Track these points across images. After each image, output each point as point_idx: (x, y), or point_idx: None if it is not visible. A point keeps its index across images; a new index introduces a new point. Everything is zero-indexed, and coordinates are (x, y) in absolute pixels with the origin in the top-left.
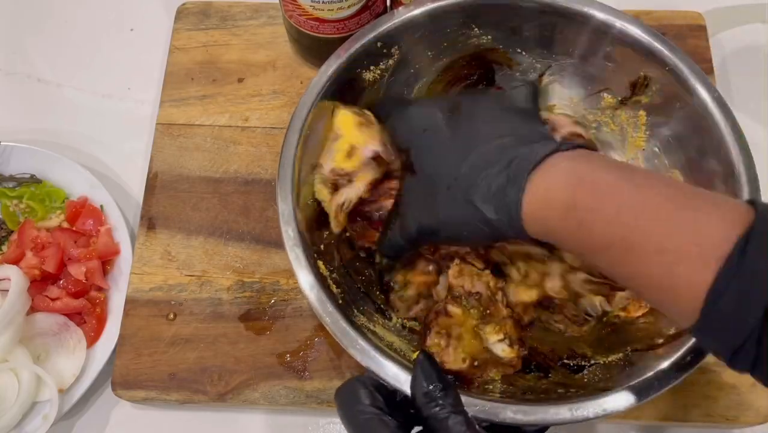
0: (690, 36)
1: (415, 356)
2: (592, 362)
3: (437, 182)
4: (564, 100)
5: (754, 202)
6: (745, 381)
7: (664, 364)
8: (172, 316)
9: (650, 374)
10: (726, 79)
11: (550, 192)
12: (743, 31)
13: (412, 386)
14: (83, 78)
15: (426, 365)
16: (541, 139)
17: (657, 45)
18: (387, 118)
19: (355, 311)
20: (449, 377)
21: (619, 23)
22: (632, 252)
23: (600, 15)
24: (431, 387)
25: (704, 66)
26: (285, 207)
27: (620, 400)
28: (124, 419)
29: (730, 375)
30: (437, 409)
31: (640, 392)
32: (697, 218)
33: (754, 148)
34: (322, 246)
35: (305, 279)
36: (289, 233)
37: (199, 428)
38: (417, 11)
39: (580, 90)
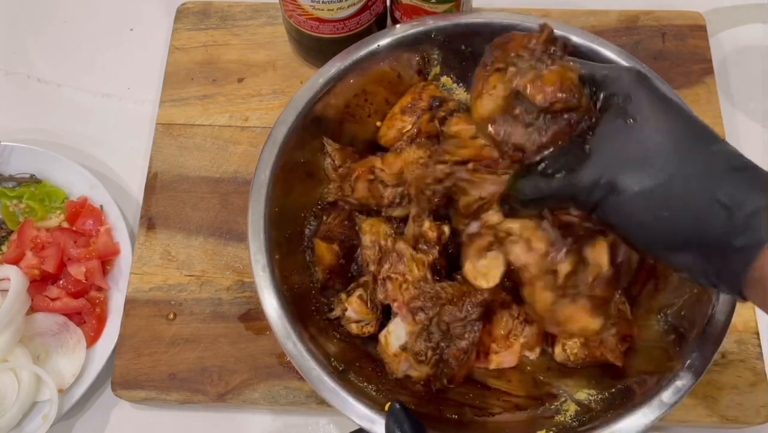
0: (690, 36)
1: (388, 406)
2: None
3: (659, 145)
4: None
5: None
6: (745, 381)
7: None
8: (172, 316)
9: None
10: (726, 79)
11: None
12: (743, 31)
13: None
14: (83, 78)
15: (399, 414)
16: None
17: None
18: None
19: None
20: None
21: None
22: None
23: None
24: None
25: (704, 66)
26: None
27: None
28: (124, 419)
29: (730, 375)
30: None
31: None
32: None
33: (754, 149)
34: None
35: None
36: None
37: (199, 428)
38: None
39: None
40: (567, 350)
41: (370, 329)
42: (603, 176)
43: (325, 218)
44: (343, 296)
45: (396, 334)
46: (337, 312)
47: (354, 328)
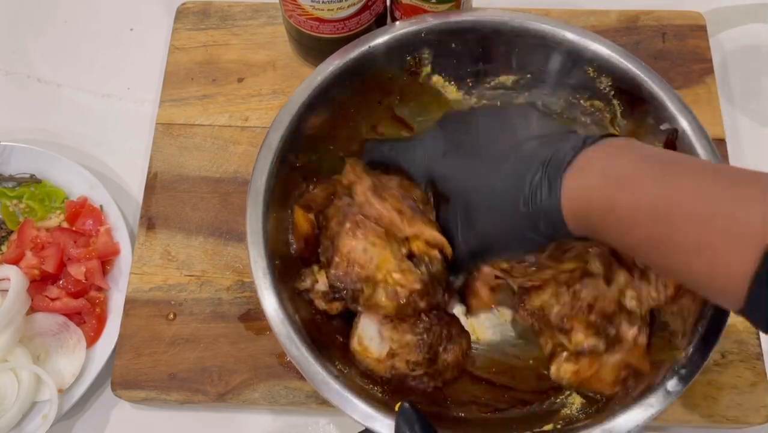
0: (690, 36)
1: (398, 406)
2: None
3: (475, 202)
4: None
5: None
6: (745, 381)
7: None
8: (172, 316)
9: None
10: (726, 79)
11: (587, 193)
12: (743, 31)
13: None
14: (83, 78)
15: (409, 415)
16: (565, 136)
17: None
18: (391, 159)
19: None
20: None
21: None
22: (671, 248)
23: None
24: None
25: (704, 66)
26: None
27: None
28: (124, 419)
29: (730, 375)
30: None
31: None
32: (733, 208)
33: (754, 149)
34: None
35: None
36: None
37: (199, 428)
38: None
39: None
40: (561, 372)
41: (338, 306)
42: (464, 251)
43: (311, 187)
44: (315, 267)
45: (369, 336)
46: (306, 284)
47: (321, 303)
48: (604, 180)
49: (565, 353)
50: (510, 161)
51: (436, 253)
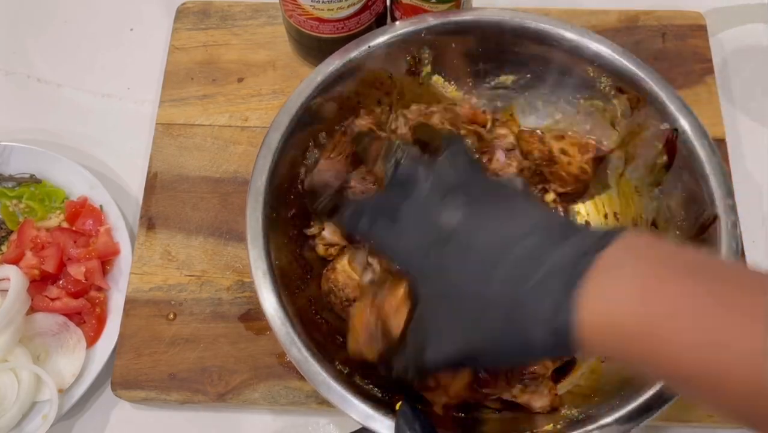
0: (690, 36)
1: (398, 406)
2: None
3: (463, 306)
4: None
5: None
6: None
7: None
8: (172, 316)
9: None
10: (726, 79)
11: (612, 310)
12: (743, 31)
13: None
14: (83, 78)
15: (408, 415)
16: (569, 229)
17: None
18: (367, 236)
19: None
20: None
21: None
22: (717, 386)
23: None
24: None
25: (704, 66)
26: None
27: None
28: (124, 419)
29: None
30: None
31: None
32: None
33: (754, 149)
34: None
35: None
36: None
37: (199, 428)
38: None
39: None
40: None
41: (333, 252)
42: (450, 351)
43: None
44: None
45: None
46: (314, 230)
47: (321, 248)
48: (633, 295)
49: None
50: (511, 262)
51: None
